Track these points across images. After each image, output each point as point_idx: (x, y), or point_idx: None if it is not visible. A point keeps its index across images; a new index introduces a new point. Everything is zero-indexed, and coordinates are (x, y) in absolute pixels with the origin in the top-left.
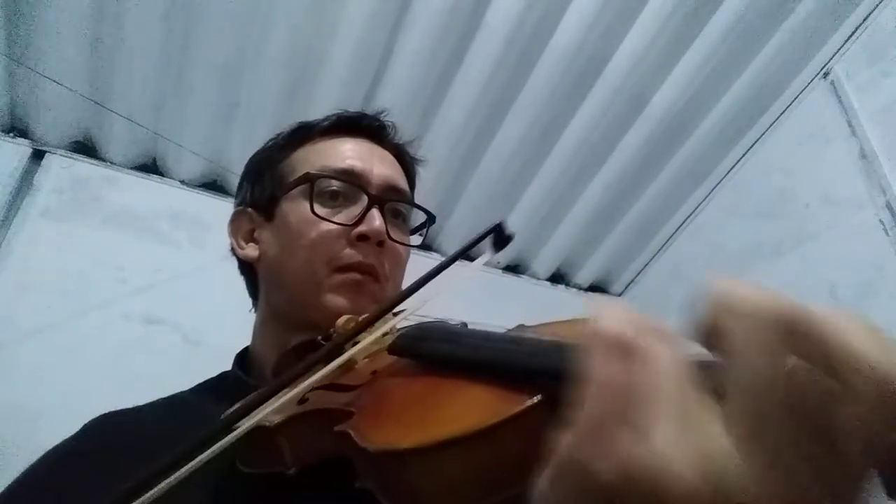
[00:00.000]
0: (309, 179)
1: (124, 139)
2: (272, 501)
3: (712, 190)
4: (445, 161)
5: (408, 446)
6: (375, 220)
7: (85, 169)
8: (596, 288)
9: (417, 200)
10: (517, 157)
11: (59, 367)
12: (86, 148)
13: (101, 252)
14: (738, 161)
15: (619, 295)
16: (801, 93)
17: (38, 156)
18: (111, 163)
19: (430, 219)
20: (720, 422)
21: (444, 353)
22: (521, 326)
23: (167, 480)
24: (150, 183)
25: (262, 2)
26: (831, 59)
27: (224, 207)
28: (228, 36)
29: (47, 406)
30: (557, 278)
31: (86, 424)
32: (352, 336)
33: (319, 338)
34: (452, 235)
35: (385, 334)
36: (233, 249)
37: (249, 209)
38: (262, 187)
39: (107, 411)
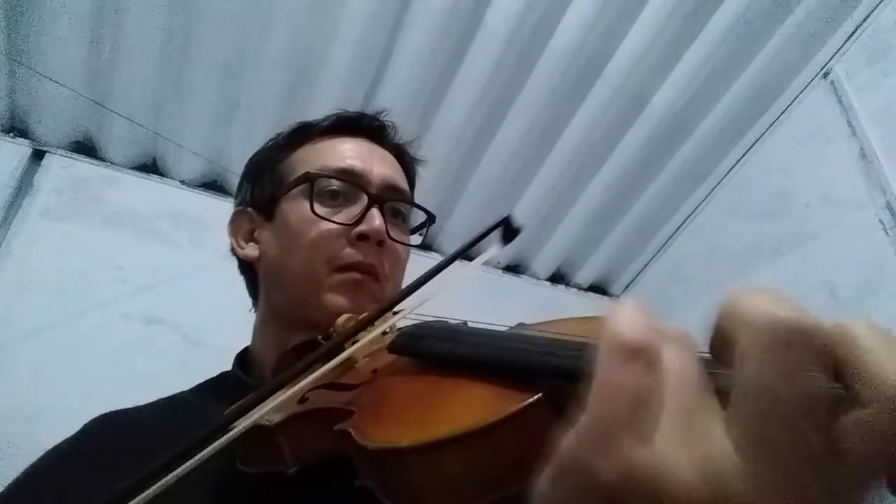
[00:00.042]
0: (309, 179)
1: (124, 139)
2: (272, 501)
3: (712, 190)
4: (445, 161)
5: (408, 444)
6: (375, 219)
7: (85, 169)
8: (596, 288)
9: (417, 200)
10: (517, 157)
11: (59, 367)
12: (86, 148)
13: (101, 252)
14: (738, 161)
15: (619, 295)
16: (801, 93)
17: (38, 156)
18: (111, 163)
19: (430, 218)
20: (723, 425)
21: (444, 352)
22: (521, 325)
23: (166, 478)
24: (150, 183)
25: (262, 2)
26: (831, 59)
27: (224, 207)
28: (228, 36)
29: (47, 406)
30: (557, 278)
31: (86, 424)
32: (352, 335)
33: (319, 337)
34: (452, 235)
35: (385, 333)
36: (233, 249)
37: (249, 209)
38: (262, 187)
39: (107, 411)
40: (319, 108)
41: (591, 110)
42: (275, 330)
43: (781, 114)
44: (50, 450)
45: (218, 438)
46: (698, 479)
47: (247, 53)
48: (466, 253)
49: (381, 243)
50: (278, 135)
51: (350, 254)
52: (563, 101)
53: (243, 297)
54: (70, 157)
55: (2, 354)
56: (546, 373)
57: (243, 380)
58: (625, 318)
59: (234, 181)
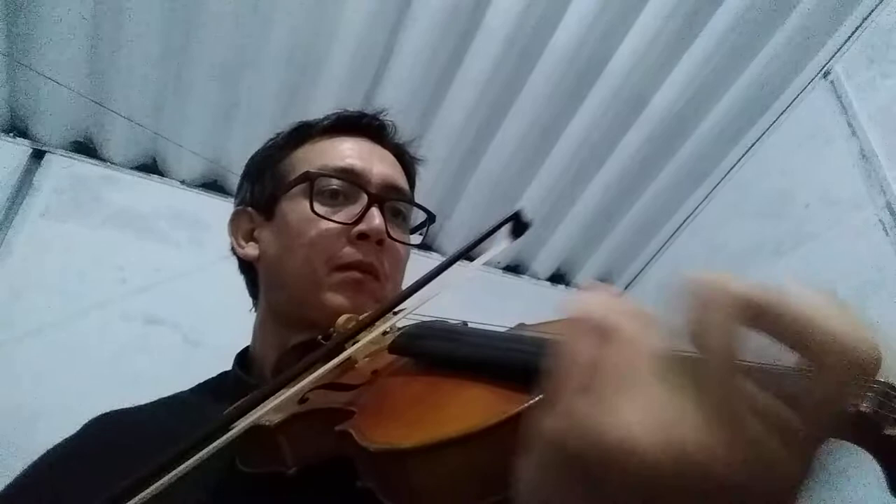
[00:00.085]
0: (309, 178)
1: (124, 139)
2: (272, 501)
3: (712, 190)
4: (445, 161)
5: (409, 446)
6: (375, 218)
7: (85, 169)
8: None
9: (417, 200)
10: (517, 157)
11: (59, 367)
12: (86, 148)
13: (101, 252)
14: (738, 161)
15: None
16: (801, 93)
17: (38, 156)
18: (111, 163)
19: (430, 218)
20: (682, 389)
21: (444, 352)
22: (521, 325)
23: (166, 478)
24: (150, 183)
25: (262, 2)
26: (831, 59)
27: (224, 207)
28: (228, 36)
29: (47, 406)
30: (557, 278)
31: (86, 424)
32: (352, 335)
33: (319, 337)
34: (452, 235)
35: (385, 333)
36: (233, 249)
37: (249, 208)
38: (262, 186)
39: (106, 411)
40: (319, 108)
41: (591, 110)
42: (275, 329)
43: (781, 114)
44: (49, 449)
45: (218, 438)
46: (643, 430)
47: (247, 53)
48: (467, 253)
49: (380, 242)
50: (278, 134)
51: (350, 253)
52: (563, 101)
53: (243, 297)
54: (70, 157)
55: (2, 354)
56: (546, 373)
57: (243, 379)
58: (581, 299)
59: (234, 181)
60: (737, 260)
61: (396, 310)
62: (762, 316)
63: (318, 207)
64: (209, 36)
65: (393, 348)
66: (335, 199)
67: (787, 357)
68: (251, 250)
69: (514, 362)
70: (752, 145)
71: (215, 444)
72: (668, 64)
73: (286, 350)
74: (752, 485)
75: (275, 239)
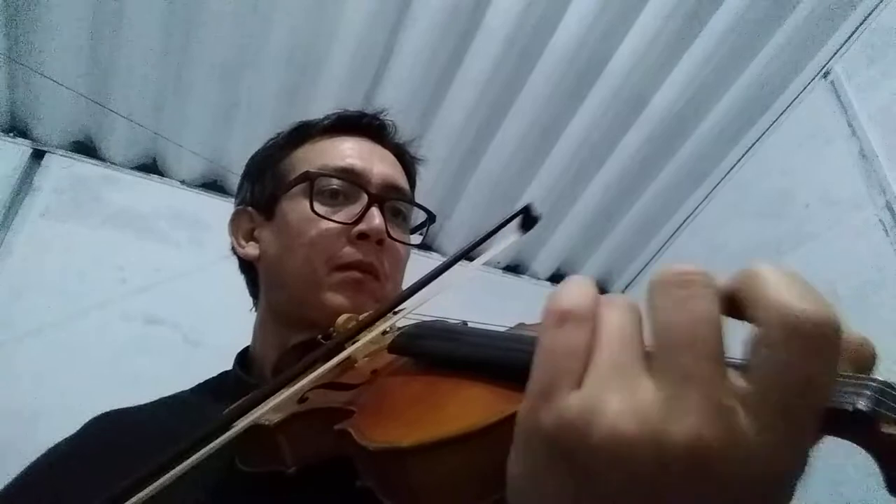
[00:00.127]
0: (309, 178)
1: (124, 139)
2: (272, 500)
3: (712, 190)
4: (445, 161)
5: (408, 444)
6: (375, 218)
7: (85, 169)
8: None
9: (418, 200)
10: (517, 157)
11: (59, 367)
12: (86, 148)
13: (101, 252)
14: (738, 161)
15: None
16: (801, 93)
17: (38, 156)
18: (111, 163)
19: (431, 218)
20: (653, 374)
21: (444, 352)
22: (521, 325)
23: (165, 478)
24: (150, 183)
25: (262, 2)
26: (831, 59)
27: (224, 207)
28: (228, 36)
29: (47, 406)
30: (557, 278)
31: (86, 423)
32: (352, 335)
33: (319, 337)
34: (452, 235)
35: (385, 333)
36: (233, 248)
37: (250, 208)
38: (263, 186)
39: (106, 410)
40: (319, 108)
41: (591, 110)
42: (275, 329)
43: (781, 114)
44: (49, 449)
45: (217, 438)
46: (624, 417)
47: (247, 53)
48: (477, 248)
49: (380, 242)
50: (278, 134)
51: (350, 253)
52: (563, 101)
53: (243, 297)
54: (70, 157)
55: (2, 354)
56: None
57: (243, 379)
58: (560, 290)
59: (234, 181)
60: (737, 260)
61: (396, 309)
62: (732, 297)
63: (319, 207)
64: (209, 36)
65: (392, 348)
66: (335, 198)
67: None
68: (251, 250)
69: (514, 362)
70: (752, 145)
71: (215, 443)
72: (668, 64)
73: (286, 350)
74: (743, 475)
75: (275, 239)
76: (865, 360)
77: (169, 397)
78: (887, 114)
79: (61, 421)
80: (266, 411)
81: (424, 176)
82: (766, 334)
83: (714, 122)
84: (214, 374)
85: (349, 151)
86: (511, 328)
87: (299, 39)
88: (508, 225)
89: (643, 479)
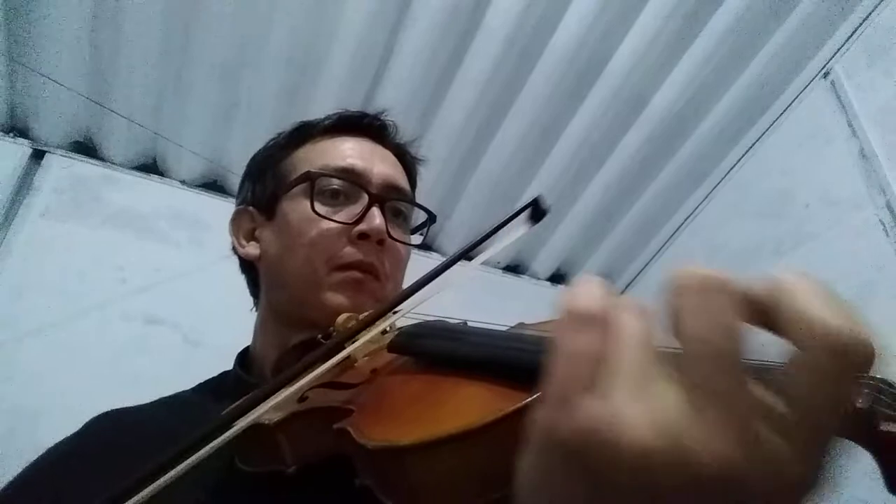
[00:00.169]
0: (309, 178)
1: (124, 139)
2: (272, 499)
3: (712, 190)
4: (445, 161)
5: (407, 443)
6: (376, 218)
7: (85, 169)
8: None
9: (418, 200)
10: (517, 157)
11: (59, 367)
12: (86, 148)
13: (101, 252)
14: (738, 161)
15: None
16: (801, 93)
17: (38, 156)
18: (111, 163)
19: (431, 218)
20: (676, 384)
21: (443, 351)
22: (521, 325)
23: (165, 478)
24: (150, 183)
25: (262, 2)
26: (831, 59)
27: (224, 207)
28: (228, 36)
29: (47, 406)
30: (557, 278)
31: (86, 423)
32: (352, 334)
33: (319, 336)
34: (452, 235)
35: (384, 332)
36: (234, 248)
37: (251, 208)
38: (264, 186)
39: (107, 410)
40: (319, 108)
41: (591, 110)
42: (275, 329)
43: (781, 114)
44: (50, 448)
45: (217, 437)
46: (651, 430)
47: (247, 53)
48: (486, 241)
49: (381, 242)
50: (279, 134)
51: (350, 252)
52: (563, 101)
53: (243, 297)
54: (70, 157)
55: (2, 354)
56: (545, 371)
57: (244, 379)
58: (576, 291)
59: (234, 181)
60: (737, 260)
61: (396, 309)
62: (760, 308)
63: (319, 207)
64: (209, 36)
65: (392, 347)
66: (336, 198)
67: (777, 349)
68: (252, 249)
69: (513, 360)
70: (752, 145)
71: (215, 443)
72: (668, 64)
73: (286, 349)
74: (760, 487)
75: (276, 238)
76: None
77: (169, 397)
78: (887, 114)
79: (61, 421)
80: (266, 411)
81: (424, 176)
82: (807, 358)
83: (714, 122)
84: (214, 374)
85: (350, 151)
86: (511, 328)
87: (299, 39)
88: (517, 218)
89: (660, 491)
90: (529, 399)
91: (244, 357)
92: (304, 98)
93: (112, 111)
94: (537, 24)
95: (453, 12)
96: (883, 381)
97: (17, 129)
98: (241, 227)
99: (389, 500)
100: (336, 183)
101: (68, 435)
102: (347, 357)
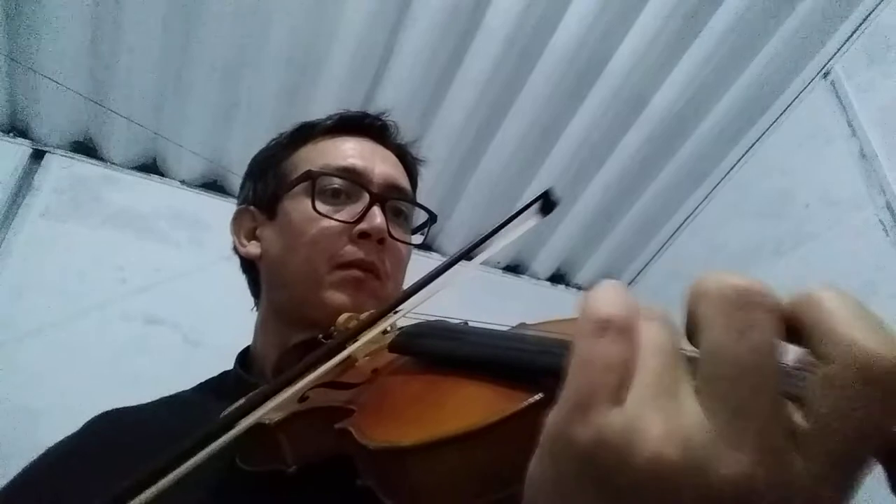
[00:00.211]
0: (311, 177)
1: (124, 139)
2: (272, 499)
3: (712, 190)
4: (445, 161)
5: (409, 444)
6: (377, 217)
7: (85, 169)
8: None
9: (418, 200)
10: (517, 157)
11: (59, 367)
12: (86, 148)
13: (101, 252)
14: (738, 161)
15: None
16: (801, 93)
17: (38, 156)
18: (111, 163)
19: (432, 218)
20: (698, 395)
21: (445, 351)
22: (522, 325)
23: (165, 479)
24: (150, 183)
25: (262, 2)
26: (831, 59)
27: (224, 207)
28: (228, 36)
29: (47, 406)
30: (557, 278)
31: (86, 422)
32: (353, 334)
33: (320, 336)
34: (452, 235)
35: (385, 332)
36: (235, 247)
37: (252, 207)
38: (265, 185)
39: (107, 409)
40: (319, 108)
41: (591, 110)
42: (276, 328)
43: (781, 114)
44: (50, 448)
45: (219, 438)
46: (669, 443)
47: (247, 53)
48: (496, 234)
49: (382, 241)
50: (281, 134)
51: (351, 251)
52: (563, 101)
53: (243, 297)
54: (70, 157)
55: (2, 354)
56: (548, 372)
57: (244, 378)
58: (599, 295)
59: (234, 181)
60: (737, 260)
61: (397, 308)
62: (794, 324)
63: (320, 206)
64: (209, 36)
65: (393, 347)
66: (337, 198)
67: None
68: (253, 249)
69: (514, 361)
70: (752, 145)
71: (217, 443)
72: (668, 64)
73: (287, 349)
74: None
75: (277, 237)
76: None
77: (170, 396)
78: (887, 114)
79: (61, 420)
80: (267, 411)
81: (425, 176)
82: (841, 377)
83: (714, 122)
84: (214, 374)
85: (351, 151)
86: (512, 327)
87: (299, 39)
88: (528, 210)
89: None
90: (532, 400)
91: (244, 357)
92: (304, 98)
93: (112, 111)
94: (537, 24)
95: (453, 12)
96: None
97: (17, 129)
98: (243, 227)
99: (391, 501)
100: (337, 182)
101: (68, 435)
102: (348, 357)
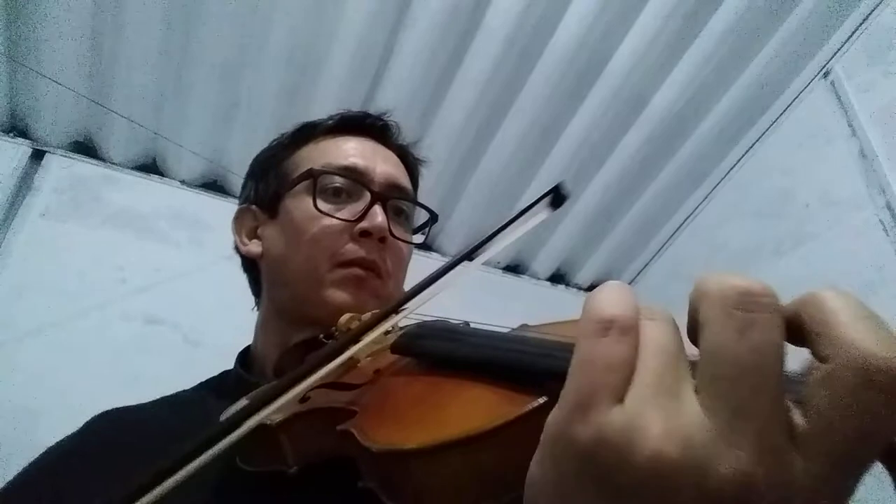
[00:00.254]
0: (312, 175)
1: (124, 139)
2: (273, 499)
3: (712, 190)
4: (445, 161)
5: (412, 447)
6: (378, 216)
7: (85, 169)
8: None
9: (419, 201)
10: (517, 157)
11: (59, 367)
12: (86, 148)
13: (101, 252)
14: (738, 161)
15: None
16: (801, 93)
17: (38, 156)
18: (111, 163)
19: (433, 217)
20: (699, 395)
21: (447, 353)
22: (524, 326)
23: (167, 483)
24: (150, 183)
25: (262, 2)
26: (831, 59)
27: (224, 207)
28: (228, 36)
29: (47, 406)
30: (557, 278)
31: (87, 421)
32: (356, 335)
33: (321, 336)
34: (452, 235)
35: (387, 332)
36: (236, 246)
37: (253, 206)
38: (267, 185)
39: (108, 408)
40: (319, 108)
41: (591, 110)
42: (277, 327)
43: (781, 114)
44: (50, 447)
45: (221, 441)
46: (669, 441)
47: (247, 53)
48: (507, 228)
49: (383, 240)
50: (282, 134)
51: (352, 249)
52: (563, 101)
53: (243, 297)
54: (70, 157)
55: (2, 354)
56: (551, 375)
57: (244, 378)
58: (602, 296)
59: (234, 181)
60: (737, 260)
61: (402, 308)
62: (797, 325)
63: (322, 204)
64: (209, 36)
65: (395, 348)
66: (338, 196)
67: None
68: (254, 247)
69: (518, 363)
70: (752, 145)
71: (221, 445)
72: (668, 64)
73: (288, 348)
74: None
75: (278, 236)
76: None
77: (170, 396)
78: (887, 114)
79: (61, 420)
80: (268, 411)
81: (424, 176)
82: (838, 376)
83: (714, 122)
84: (215, 374)
85: (352, 150)
86: (514, 329)
87: (299, 39)
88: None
89: (675, 503)
90: (536, 404)
91: (245, 356)
92: (304, 98)
93: (112, 111)
94: (537, 24)
95: (453, 12)
96: None
97: (17, 129)
98: (244, 226)
99: (393, 503)
100: (338, 181)
101: (68, 434)
102: (350, 358)
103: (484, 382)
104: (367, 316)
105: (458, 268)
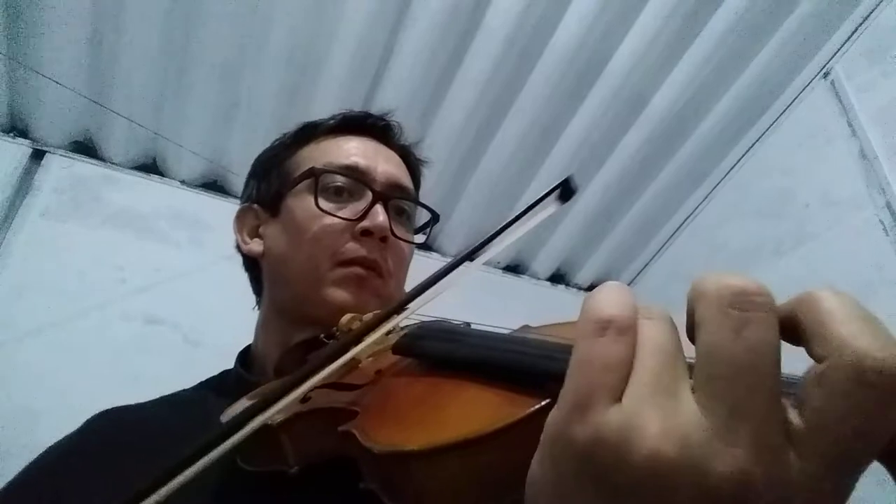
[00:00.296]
0: (314, 174)
1: (124, 139)
2: (274, 500)
3: (712, 190)
4: (445, 161)
5: (414, 448)
6: (379, 215)
7: (85, 169)
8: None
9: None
10: (517, 157)
11: (59, 367)
12: (86, 148)
13: (101, 252)
14: (738, 161)
15: None
16: (801, 93)
17: (38, 156)
18: (111, 163)
19: (434, 217)
20: (701, 397)
21: (448, 353)
22: (525, 327)
23: (168, 486)
24: (150, 183)
25: (262, 2)
26: (831, 59)
27: (224, 207)
28: (228, 36)
29: (47, 406)
30: (557, 278)
31: (87, 420)
32: (357, 335)
33: (322, 336)
34: (452, 235)
35: (389, 333)
36: (237, 245)
37: (255, 205)
38: (268, 184)
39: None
40: (319, 108)
41: (591, 110)
42: (278, 326)
43: (781, 114)
44: (50, 446)
45: (226, 441)
46: (666, 440)
47: (247, 53)
48: (515, 223)
49: (384, 239)
50: (284, 134)
51: (354, 248)
52: (563, 101)
53: (243, 297)
54: (70, 157)
55: (2, 354)
56: (553, 377)
57: (245, 377)
58: (601, 296)
59: (234, 181)
60: (737, 260)
61: (404, 308)
62: (792, 324)
63: (323, 203)
64: (209, 36)
65: (397, 349)
66: (340, 195)
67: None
68: (256, 246)
69: (520, 365)
70: (752, 145)
71: (224, 446)
72: (668, 64)
73: (289, 348)
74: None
75: (280, 235)
76: None
77: (170, 395)
78: (887, 114)
79: (61, 420)
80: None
81: (425, 176)
82: (831, 376)
83: (714, 122)
84: (215, 374)
85: (354, 150)
86: (515, 330)
87: (299, 39)
88: (549, 196)
89: (674, 502)
90: (538, 406)
91: (245, 356)
92: (304, 98)
93: (112, 111)
94: (537, 24)
95: (453, 12)
96: None
97: (17, 129)
98: (246, 225)
99: (393, 503)
100: (340, 180)
101: (68, 433)
102: (352, 358)
103: (485, 383)
104: (368, 316)
105: (461, 267)
